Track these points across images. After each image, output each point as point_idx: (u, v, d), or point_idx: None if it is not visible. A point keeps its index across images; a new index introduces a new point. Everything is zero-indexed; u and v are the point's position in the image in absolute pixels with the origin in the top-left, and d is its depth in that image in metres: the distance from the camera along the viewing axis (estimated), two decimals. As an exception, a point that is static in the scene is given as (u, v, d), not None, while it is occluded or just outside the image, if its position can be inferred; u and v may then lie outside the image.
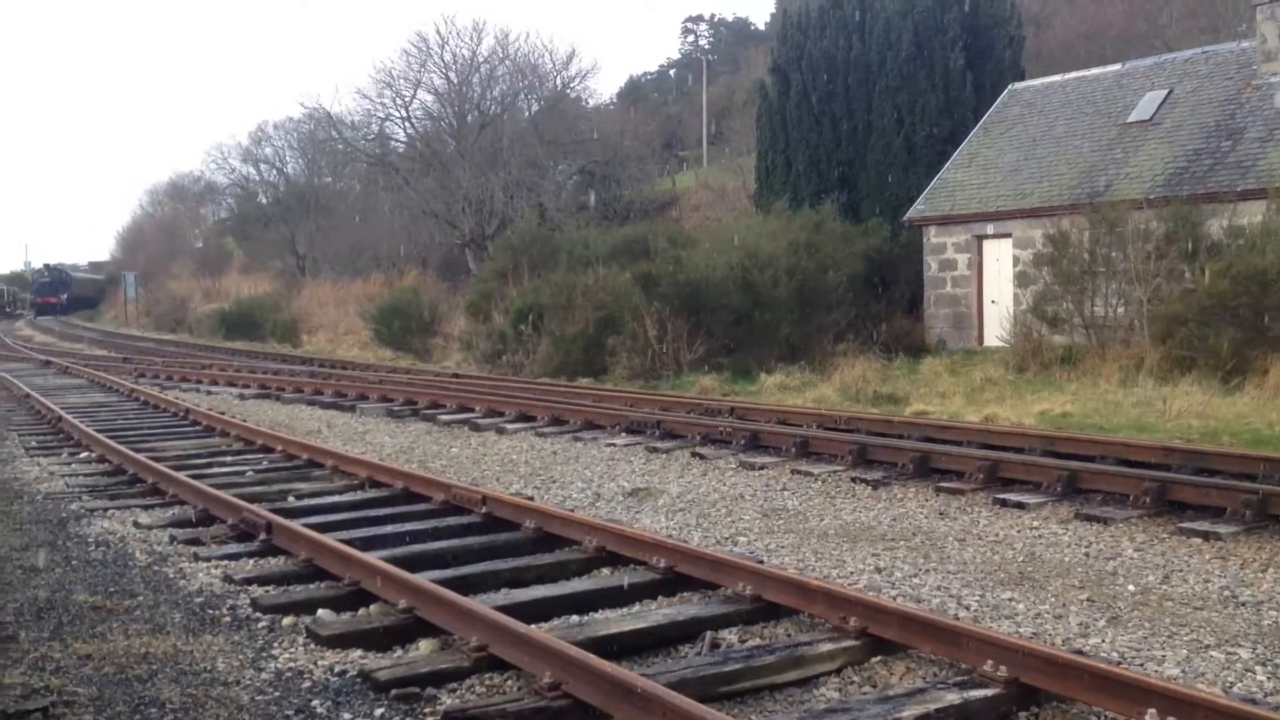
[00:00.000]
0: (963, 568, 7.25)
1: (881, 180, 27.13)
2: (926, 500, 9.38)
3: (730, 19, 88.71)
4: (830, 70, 28.02)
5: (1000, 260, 23.14)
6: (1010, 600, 6.52)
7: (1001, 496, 9.15)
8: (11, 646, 5.95)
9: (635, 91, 73.56)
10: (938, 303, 24.13)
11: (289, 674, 5.47)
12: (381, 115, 51.29)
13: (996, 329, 21.78)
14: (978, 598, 6.57)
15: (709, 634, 5.84)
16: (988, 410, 14.73)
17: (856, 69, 27.66)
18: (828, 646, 5.47)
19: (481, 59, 49.61)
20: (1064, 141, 23.63)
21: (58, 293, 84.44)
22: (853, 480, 10.19)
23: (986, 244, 23.51)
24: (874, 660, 5.46)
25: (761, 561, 7.06)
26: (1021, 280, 21.94)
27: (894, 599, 6.35)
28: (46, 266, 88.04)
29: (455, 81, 49.31)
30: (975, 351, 22.22)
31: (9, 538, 8.59)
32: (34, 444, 14.04)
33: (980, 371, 18.66)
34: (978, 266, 23.57)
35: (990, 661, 4.98)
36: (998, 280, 23.12)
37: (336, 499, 9.92)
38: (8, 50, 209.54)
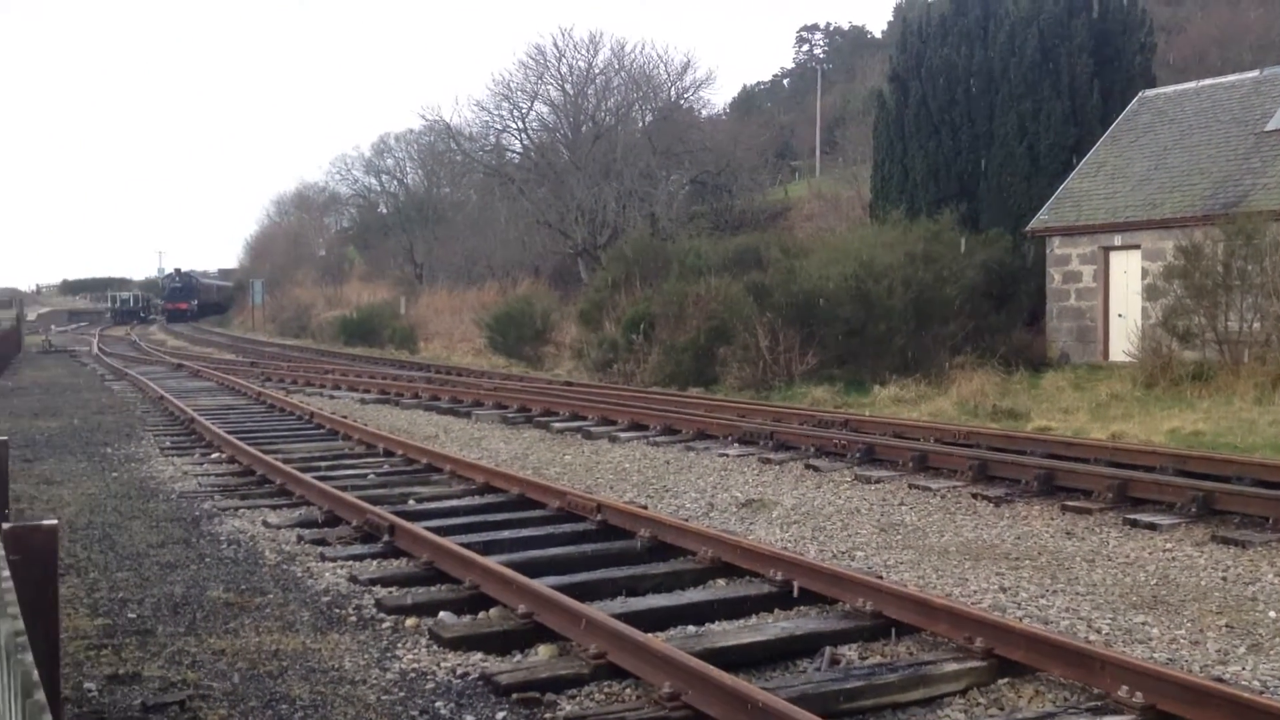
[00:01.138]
0: (1092, 589, 7.02)
1: (1003, 190, 26.52)
2: (1052, 519, 9.11)
3: (846, 27, 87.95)
4: (951, 78, 27.52)
5: (1128, 272, 22.40)
6: (1143, 624, 6.29)
7: (1132, 517, 8.84)
8: (150, 640, 6.19)
9: (748, 101, 73.39)
10: (1060, 315, 23.48)
11: (413, 675, 5.57)
12: (499, 127, 52.15)
13: (1123, 343, 21.08)
14: (1109, 621, 6.35)
15: (828, 649, 5.77)
16: (1114, 427, 14.26)
17: (978, 77, 27.12)
18: (952, 666, 5.34)
19: (597, 70, 50.08)
20: (1197, 150, 22.79)
21: (188, 298, 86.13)
22: (973, 496, 9.96)
23: (1114, 255, 22.79)
24: (1001, 682, 5.32)
25: (881, 577, 6.95)
26: (1151, 293, 21.21)
27: (1020, 620, 6.17)
28: (177, 271, 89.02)
29: (571, 93, 49.85)
30: (1100, 366, 21.54)
31: (146, 534, 8.95)
32: (168, 444, 14.61)
33: (1106, 387, 18.07)
34: (1104, 279, 22.86)
35: (1125, 687, 4.81)
36: (1125, 293, 22.39)
37: (455, 503, 10.09)
38: (148, 66, 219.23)
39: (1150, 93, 25.60)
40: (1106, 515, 9.07)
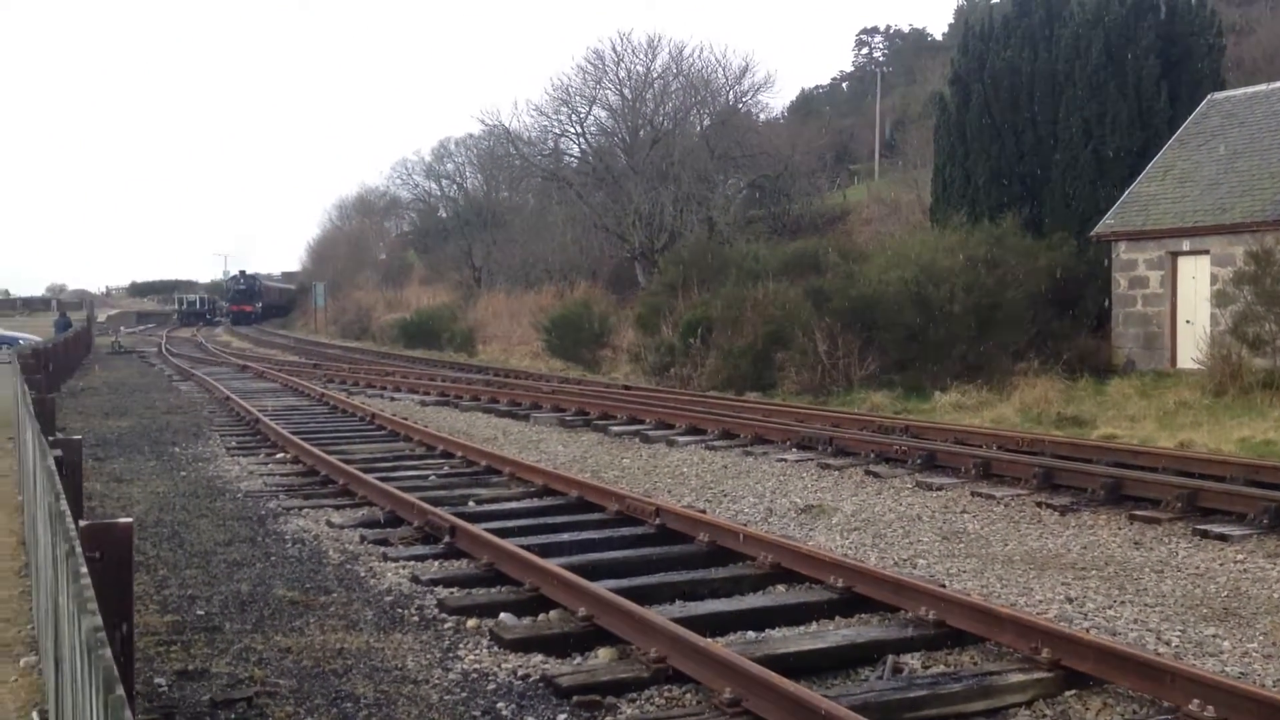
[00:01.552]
0: (1161, 601, 6.89)
1: (1067, 194, 26.11)
2: (1119, 528, 8.95)
3: (906, 30, 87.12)
4: (1014, 81, 27.16)
5: (1196, 278, 21.94)
6: (1214, 637, 6.16)
7: (1202, 527, 8.66)
8: (218, 637, 6.30)
9: (807, 104, 72.97)
10: (1126, 322, 23.06)
11: (475, 675, 5.61)
12: (557, 131, 52.37)
13: (1191, 350, 20.64)
14: (1179, 633, 6.23)
15: (891, 658, 5.72)
16: (1182, 435, 13.98)
17: (1042, 79, 26.73)
18: (1018, 677, 5.27)
19: (655, 75, 50.11)
20: (1269, 154, 22.25)
21: (252, 300, 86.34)
22: (1038, 505, 9.81)
23: (1182, 261, 22.33)
24: (1068, 694, 5.24)
25: (944, 585, 6.88)
26: (1220, 299, 20.75)
27: (1087, 630, 6.07)
28: (241, 273, 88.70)
29: (629, 97, 49.94)
30: (1167, 374, 21.12)
31: (214, 533, 9.11)
32: (234, 444, 14.87)
33: (1173, 395, 17.72)
34: (1172, 284, 22.41)
35: (1196, 701, 4.71)
36: (1193, 299, 21.92)
37: (514, 505, 10.15)
38: (216, 73, 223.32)
39: (1219, 95, 25.06)
40: (1175, 525, 8.89)
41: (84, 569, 3.63)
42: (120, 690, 2.44)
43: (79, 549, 3.88)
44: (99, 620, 3.01)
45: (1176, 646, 6.01)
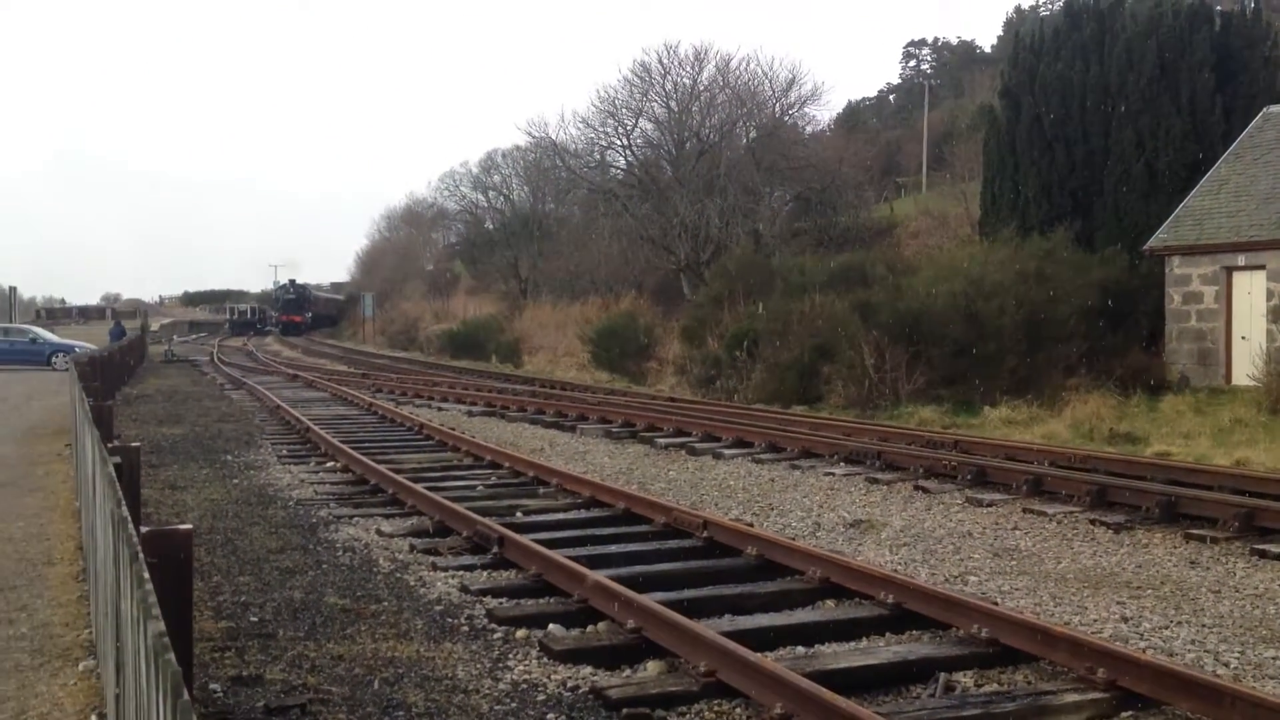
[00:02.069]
0: (1219, 621, 6.77)
1: (1119, 208, 25.80)
2: (1175, 547, 8.81)
3: (954, 42, 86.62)
4: (1065, 93, 26.89)
5: (1252, 293, 21.58)
6: (1275, 659, 6.04)
7: (1260, 547, 8.50)
8: (271, 644, 6.37)
9: (853, 117, 72.68)
10: (1180, 337, 22.72)
11: (524, 686, 5.63)
12: (603, 143, 52.57)
13: (1247, 367, 20.29)
14: (1237, 655, 6.12)
15: (942, 675, 5.67)
16: (1239, 454, 13.74)
17: (1094, 92, 26.45)
18: (1073, 697, 5.21)
19: (702, 87, 50.16)
20: (1327, 167, 21.87)
21: (301, 310, 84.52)
22: (1091, 522, 9.68)
23: (1237, 276, 21.98)
24: (1124, 715, 5.16)
25: (996, 603, 6.81)
26: (1277, 315, 20.41)
27: (1144, 651, 5.98)
28: (291, 282, 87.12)
29: (675, 110, 50.02)
30: (1222, 390, 20.78)
31: (266, 540, 9.22)
32: (285, 452, 15.04)
33: (1229, 412, 17.43)
34: (1227, 300, 22.06)
35: (1258, 726, 4.62)
36: (1249, 315, 21.56)
37: (562, 516, 10.19)
38: (266, 86, 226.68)
39: (1275, 108, 24.64)
40: (1233, 545, 8.74)
41: (147, 575, 3.69)
42: (187, 696, 2.48)
43: (142, 555, 3.94)
44: (163, 626, 3.05)
45: (1235, 668, 5.90)
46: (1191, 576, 7.91)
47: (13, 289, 60.86)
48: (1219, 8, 27.95)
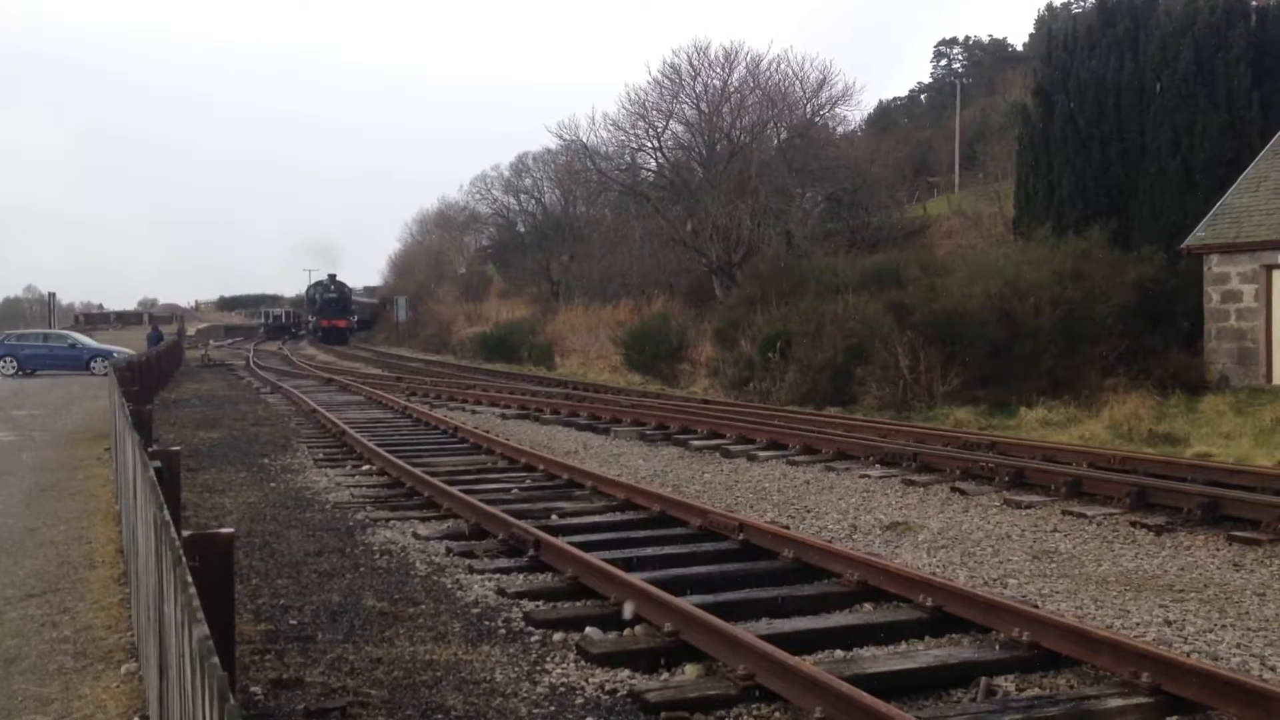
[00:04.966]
0: (1264, 625, 6.67)
1: (1155, 206, 25.50)
2: (1218, 549, 8.69)
3: (985, 41, 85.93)
4: (1099, 91, 26.62)
5: (1293, 291, 21.28)
6: (1323, 665, 5.94)
7: (1305, 550, 8.38)
8: (311, 646, 6.40)
9: (885, 117, 72.36)
10: (1219, 336, 22.43)
11: (563, 689, 5.63)
12: (634, 145, 52.66)
13: (1288, 366, 20.01)
14: (1284, 660, 6.02)
15: (984, 680, 5.61)
16: (1281, 454, 13.55)
17: (1129, 90, 26.17)
18: (1117, 702, 5.14)
19: (732, 88, 50.15)
20: (1370, 162, 21.53)
21: (344, 314, 70.87)
22: (1132, 524, 9.57)
23: (1277, 274, 21.68)
24: (1170, 720, 5.10)
25: (1037, 606, 6.74)
26: (1318, 313, 20.10)
27: (1188, 655, 5.90)
28: (331, 279, 75.09)
29: (706, 111, 50.03)
30: (1263, 390, 20.49)
31: (304, 543, 9.28)
32: (321, 456, 15.13)
33: (1270, 412, 17.18)
34: (1267, 298, 21.76)
35: (1309, 732, 4.55)
36: (1290, 313, 21.26)
37: (597, 519, 10.18)
38: (296, 95, 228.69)
39: (1316, 103, 24.29)
40: (1277, 547, 8.61)
41: (190, 579, 3.71)
42: (233, 700, 2.49)
43: (184, 559, 3.97)
44: (207, 630, 3.07)
45: (1283, 673, 5.81)
46: (1235, 579, 7.80)
47: (52, 295, 61.70)
48: (1254, 3, 27.56)
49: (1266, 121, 24.67)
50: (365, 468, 13.78)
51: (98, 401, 24.08)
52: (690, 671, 5.92)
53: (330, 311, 71.33)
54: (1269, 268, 21.75)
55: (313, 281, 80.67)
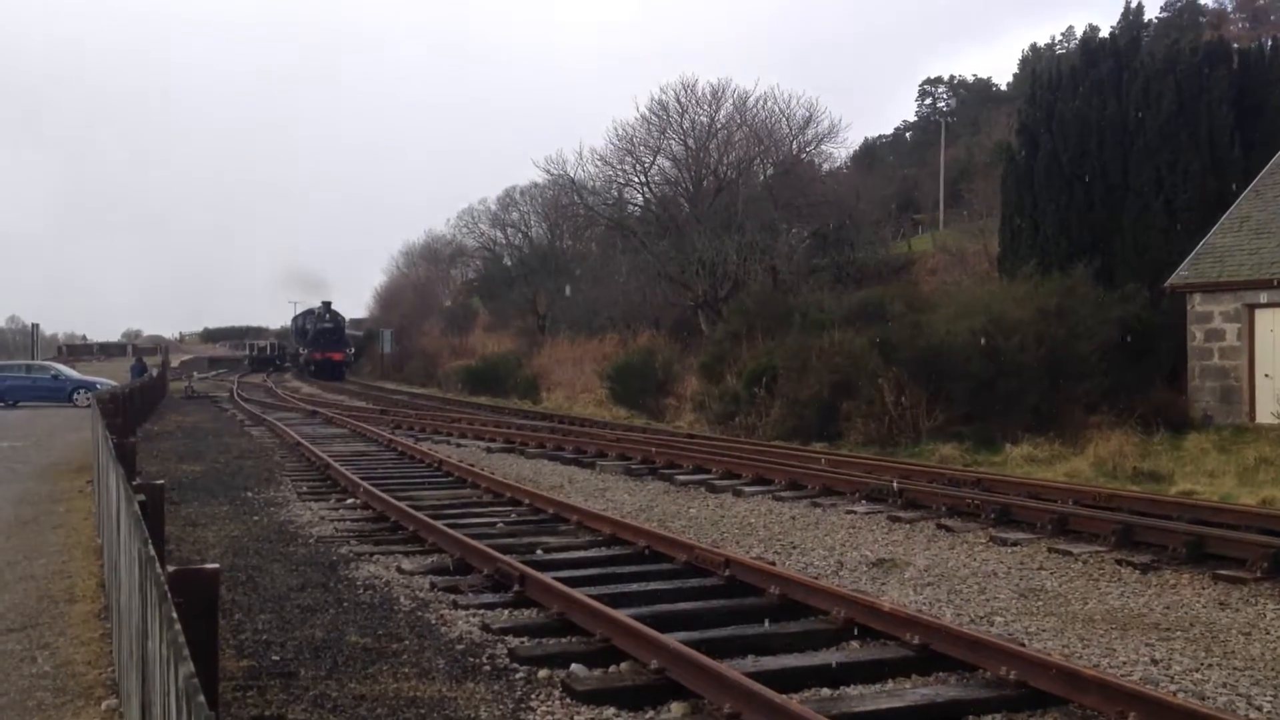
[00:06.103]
0: (1250, 664, 6.67)
1: (1139, 245, 25.72)
2: (1203, 588, 8.71)
3: (970, 80, 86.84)
4: (1083, 130, 26.91)
5: (1275, 331, 21.45)
6: (1310, 705, 5.94)
7: (1290, 589, 8.39)
8: (293, 683, 6.34)
9: (870, 154, 72.90)
10: (1203, 375, 22.57)
11: (548, 727, 5.58)
12: (621, 180, 52.93)
13: (1271, 405, 20.15)
14: (1270, 699, 6.02)
15: (971, 718, 5.59)
16: (1264, 493, 13.61)
17: (1112, 129, 26.47)
18: (1105, 742, 5.13)
19: (719, 125, 50.51)
20: (1349, 203, 21.79)
21: (340, 346, 64.16)
22: (1117, 563, 9.58)
23: (1259, 314, 21.86)
24: (1157, 761, 5.08)
25: (1024, 644, 6.73)
26: (1300, 352, 20.27)
27: (1174, 694, 5.90)
28: (326, 306, 68.48)
29: (693, 147, 50.36)
30: (1246, 428, 20.61)
31: (286, 578, 9.21)
32: (305, 489, 15.05)
33: (1253, 450, 17.27)
34: (1249, 337, 21.93)
35: (1296, 773, 4.54)
36: (1272, 352, 21.42)
37: (582, 554, 10.14)
38: (283, 126, 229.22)
39: (1297, 144, 24.61)
40: (1262, 586, 8.63)
41: (176, 616, 3.68)
42: (219, 739, 2.46)
43: (170, 596, 3.94)
44: (193, 667, 3.04)
45: (1269, 712, 5.81)
46: (1221, 618, 7.81)
47: (35, 326, 61.34)
48: (1236, 45, 27.97)
49: (1249, 162, 24.97)
50: (349, 501, 13.70)
51: (80, 433, 23.91)
52: (676, 709, 5.88)
53: (324, 343, 64.92)
54: (1251, 307, 21.94)
55: (301, 310, 74.80)
